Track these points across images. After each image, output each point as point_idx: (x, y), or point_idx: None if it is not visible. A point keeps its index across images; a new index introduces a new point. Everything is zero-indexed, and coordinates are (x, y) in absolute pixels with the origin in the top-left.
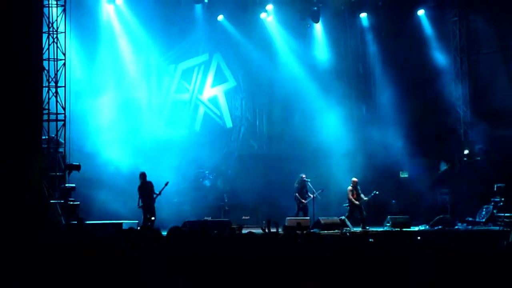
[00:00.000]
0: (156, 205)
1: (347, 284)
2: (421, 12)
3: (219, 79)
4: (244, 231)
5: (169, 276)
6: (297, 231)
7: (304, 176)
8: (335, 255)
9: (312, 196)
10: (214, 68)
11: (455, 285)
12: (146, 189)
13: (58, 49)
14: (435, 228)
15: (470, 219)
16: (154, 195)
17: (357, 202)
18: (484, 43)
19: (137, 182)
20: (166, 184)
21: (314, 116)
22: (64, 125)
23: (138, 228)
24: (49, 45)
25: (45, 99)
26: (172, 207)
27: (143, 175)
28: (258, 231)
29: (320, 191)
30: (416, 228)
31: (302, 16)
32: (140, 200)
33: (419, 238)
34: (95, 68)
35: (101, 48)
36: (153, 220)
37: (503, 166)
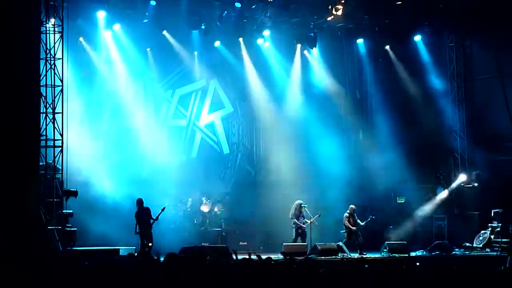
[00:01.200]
0: (153, 231)
1: None
2: (417, 38)
3: (216, 105)
4: (241, 256)
5: None
6: (295, 257)
7: (301, 201)
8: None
9: (309, 221)
10: (211, 94)
11: None
12: (143, 215)
13: (55, 75)
14: (433, 253)
15: (468, 244)
16: (151, 221)
17: (354, 228)
18: (480, 68)
19: (134, 208)
20: (162, 210)
21: (311, 142)
22: (61, 151)
23: (136, 254)
24: (46, 71)
25: (42, 125)
26: (169, 233)
27: (140, 202)
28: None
29: (317, 216)
30: (414, 254)
31: (298, 42)
32: (137, 226)
33: (418, 264)
34: (93, 94)
35: (99, 74)
36: (150, 246)
37: (500, 191)
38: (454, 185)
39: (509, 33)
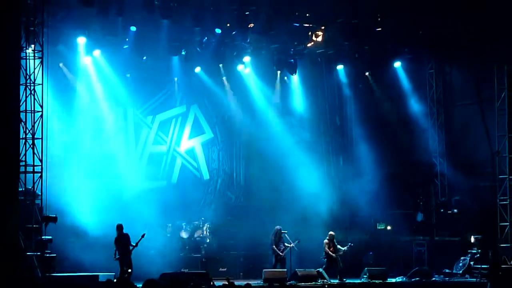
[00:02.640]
0: (132, 256)
1: None
2: (397, 64)
3: (196, 130)
4: (219, 283)
5: None
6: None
7: (280, 227)
8: None
9: (289, 246)
10: (191, 120)
11: None
12: (122, 241)
13: (35, 101)
14: (413, 280)
15: (447, 270)
16: (131, 247)
17: (333, 255)
18: (460, 94)
19: (114, 234)
20: (142, 236)
21: (291, 168)
22: (40, 176)
23: (115, 280)
24: (26, 97)
25: (22, 150)
26: (149, 259)
27: (119, 227)
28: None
29: (296, 242)
30: (394, 280)
31: (278, 68)
32: (117, 252)
33: None
34: (73, 119)
35: (79, 99)
36: (129, 272)
37: (479, 217)
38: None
39: (488, 60)
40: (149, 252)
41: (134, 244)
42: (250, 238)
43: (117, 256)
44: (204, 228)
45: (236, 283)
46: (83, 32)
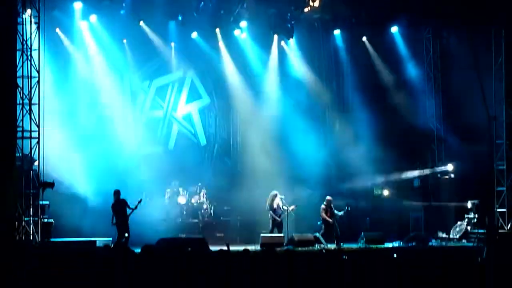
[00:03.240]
0: (130, 222)
1: None
2: (394, 29)
3: (193, 96)
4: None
5: None
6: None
7: (277, 192)
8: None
9: (286, 211)
10: (188, 85)
11: None
12: (119, 207)
13: (32, 66)
14: (409, 244)
15: (444, 235)
16: (128, 212)
17: (330, 220)
18: (457, 59)
19: (111, 200)
20: (139, 202)
21: (287, 133)
22: (38, 142)
23: (112, 245)
24: (23, 62)
25: (18, 116)
26: (146, 224)
27: (117, 193)
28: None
29: (293, 207)
30: (390, 245)
31: (275, 33)
32: (114, 218)
33: (395, 255)
34: (69, 85)
35: (75, 65)
36: (126, 237)
37: (476, 182)
38: (430, 176)
39: (486, 25)
40: (145, 218)
41: (132, 208)
42: (247, 203)
43: (114, 222)
44: (201, 193)
45: (233, 248)
46: None
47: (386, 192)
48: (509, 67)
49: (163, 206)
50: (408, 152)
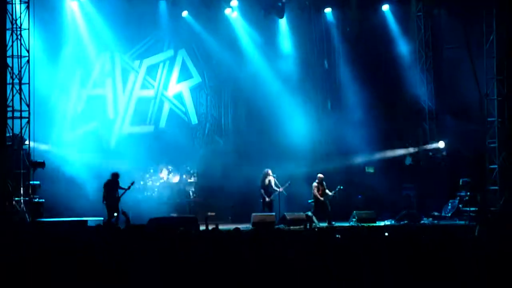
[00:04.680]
0: (121, 201)
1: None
2: (385, 7)
3: (184, 75)
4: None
5: (134, 272)
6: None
7: (269, 171)
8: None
9: (278, 190)
10: (179, 64)
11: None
12: (111, 186)
13: (22, 46)
14: (401, 223)
15: (436, 213)
16: (121, 192)
17: (322, 198)
18: (448, 38)
19: (102, 179)
20: (132, 184)
21: (279, 112)
22: (28, 122)
23: (103, 224)
24: (12, 42)
25: (9, 96)
26: (137, 204)
27: (115, 175)
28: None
29: (287, 185)
30: (382, 223)
31: (266, 12)
32: (105, 196)
33: (386, 234)
34: (60, 64)
35: (65, 44)
36: (116, 216)
37: (468, 161)
38: (422, 154)
39: (477, 2)
40: (136, 197)
41: (125, 188)
42: (239, 182)
43: (105, 201)
44: (193, 172)
45: (225, 227)
46: None
47: (371, 170)
48: (500, 44)
49: (154, 185)
50: (399, 130)
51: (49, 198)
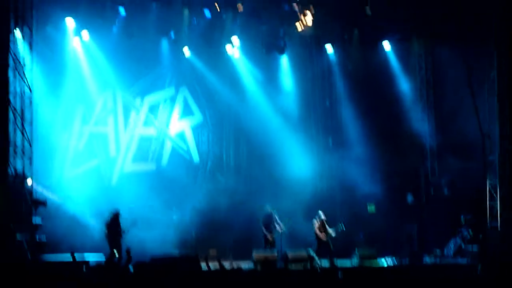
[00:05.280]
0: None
1: None
2: (387, 45)
3: (186, 113)
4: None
5: None
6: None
7: (270, 208)
8: None
9: (279, 228)
10: (180, 102)
11: None
12: (113, 225)
13: (24, 83)
14: (403, 261)
15: (438, 251)
16: (121, 232)
17: (323, 236)
18: (449, 76)
19: (103, 216)
20: (134, 223)
21: (281, 148)
22: (29, 159)
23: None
24: (15, 79)
25: (10, 133)
26: (139, 241)
27: (116, 213)
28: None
29: (288, 221)
30: (384, 261)
31: (268, 49)
32: (107, 234)
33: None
34: (61, 102)
35: (68, 82)
36: (118, 256)
37: (469, 198)
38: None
39: (478, 40)
40: (139, 235)
41: (124, 230)
42: (240, 219)
43: (107, 238)
44: (194, 210)
45: (226, 264)
46: (72, 14)
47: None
48: (502, 83)
49: (156, 223)
50: (401, 167)
51: (51, 234)
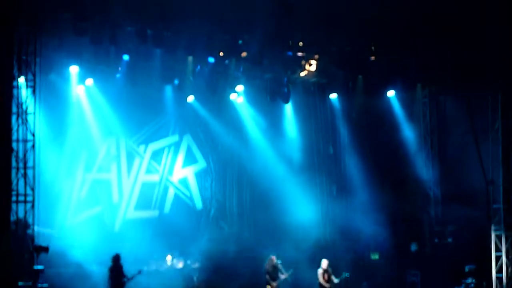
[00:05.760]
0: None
1: None
2: (391, 93)
3: (189, 160)
4: None
5: None
6: None
7: (274, 257)
8: None
9: (282, 277)
10: (184, 149)
11: None
12: (116, 271)
13: (27, 130)
14: None
15: None
16: (125, 279)
17: (327, 285)
18: (454, 124)
19: (106, 263)
20: (139, 272)
21: (284, 196)
22: (32, 206)
23: None
24: (18, 126)
25: (13, 180)
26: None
27: (116, 258)
28: None
29: (291, 271)
30: None
31: (272, 97)
32: (110, 282)
33: None
34: (65, 148)
35: (71, 128)
36: None
37: (473, 247)
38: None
39: (482, 89)
40: (142, 281)
41: (128, 278)
42: (243, 267)
43: (110, 285)
44: (197, 257)
45: None
46: (76, 61)
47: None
48: (506, 131)
49: (159, 270)
50: (405, 216)
51: (53, 282)
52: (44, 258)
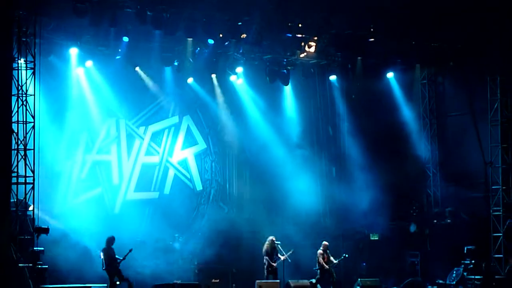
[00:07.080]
0: (127, 266)
1: None
2: (390, 75)
3: (189, 141)
4: None
5: None
6: None
7: (273, 238)
8: None
9: (282, 258)
10: (184, 130)
11: None
12: (110, 253)
13: (27, 111)
14: None
15: (441, 281)
16: (118, 260)
17: (327, 266)
18: (453, 105)
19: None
20: (129, 251)
21: (284, 178)
22: (32, 188)
23: None
24: (18, 107)
25: (13, 162)
26: (141, 270)
27: (110, 240)
28: None
29: (290, 252)
30: None
31: (271, 78)
32: (105, 263)
33: None
34: (65, 130)
35: (71, 110)
36: (118, 284)
37: (472, 228)
38: (427, 221)
39: (480, 69)
40: (142, 263)
41: (121, 258)
42: (243, 249)
43: (105, 267)
44: (197, 239)
45: None
46: (75, 43)
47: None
48: (505, 112)
49: (158, 251)
50: (404, 197)
51: (53, 264)
52: (44, 239)
